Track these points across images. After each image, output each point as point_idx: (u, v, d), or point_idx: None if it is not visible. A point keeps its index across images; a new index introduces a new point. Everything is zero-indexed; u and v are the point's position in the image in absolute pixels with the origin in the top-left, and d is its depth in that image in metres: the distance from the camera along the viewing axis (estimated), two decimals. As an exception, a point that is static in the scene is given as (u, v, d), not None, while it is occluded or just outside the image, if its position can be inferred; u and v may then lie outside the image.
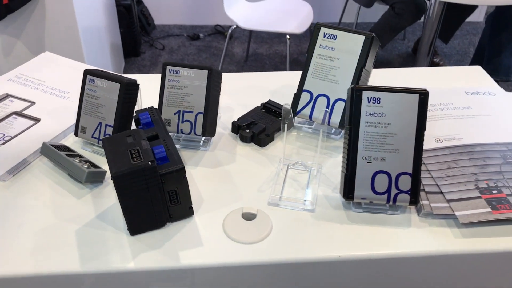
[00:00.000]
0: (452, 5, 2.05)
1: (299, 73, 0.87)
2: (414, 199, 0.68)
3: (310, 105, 0.85)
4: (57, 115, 0.89)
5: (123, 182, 0.61)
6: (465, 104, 0.91)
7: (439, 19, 2.19)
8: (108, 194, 0.74)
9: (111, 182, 0.67)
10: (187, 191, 0.67)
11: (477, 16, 3.55)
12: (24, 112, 0.90)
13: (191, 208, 0.69)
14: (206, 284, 0.65)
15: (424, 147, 0.71)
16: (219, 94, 0.85)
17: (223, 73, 0.94)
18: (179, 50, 3.10)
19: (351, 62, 0.82)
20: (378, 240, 0.66)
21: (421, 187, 0.72)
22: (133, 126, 0.82)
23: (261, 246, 0.65)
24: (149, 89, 0.96)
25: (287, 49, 2.50)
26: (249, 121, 0.87)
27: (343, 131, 0.86)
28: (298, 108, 0.86)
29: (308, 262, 0.64)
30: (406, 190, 0.68)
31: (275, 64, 2.97)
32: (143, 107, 0.80)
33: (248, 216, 0.70)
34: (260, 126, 0.86)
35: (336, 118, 0.83)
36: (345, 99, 0.82)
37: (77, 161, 0.75)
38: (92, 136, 0.80)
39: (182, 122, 0.81)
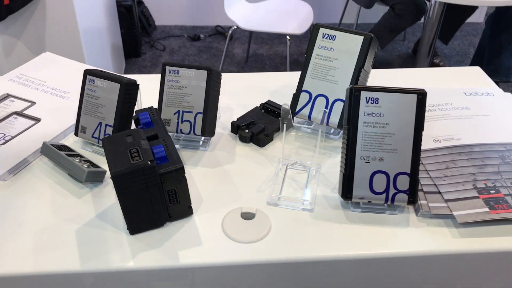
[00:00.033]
0: (452, 6, 2.05)
1: (298, 74, 0.88)
2: (412, 199, 0.69)
3: (309, 105, 0.85)
4: (57, 115, 0.90)
5: (122, 181, 0.61)
6: (463, 104, 0.91)
7: (439, 20, 2.19)
8: (108, 193, 0.74)
9: (111, 181, 0.68)
10: (186, 191, 0.67)
11: (477, 17, 3.55)
12: (25, 112, 0.90)
13: (190, 207, 0.69)
14: (205, 283, 0.65)
15: (423, 147, 0.72)
16: (219, 94, 0.85)
17: (222, 74, 0.94)
18: (180, 51, 3.11)
19: (349, 62, 0.82)
20: (376, 240, 0.67)
21: (419, 187, 0.72)
22: (133, 126, 0.82)
23: (260, 245, 0.65)
24: (149, 89, 0.96)
25: (287, 50, 2.50)
26: (249, 121, 0.87)
27: (342, 131, 0.86)
28: (297, 108, 0.86)
29: (307, 261, 0.64)
30: (404, 190, 0.68)
31: (276, 64, 2.98)
32: (143, 107, 0.80)
33: (247, 216, 0.70)
34: (259, 126, 0.86)
35: (335, 118, 0.83)
36: (344, 99, 0.82)
37: (77, 160, 0.75)
38: (92, 136, 0.81)
39: (182, 122, 0.81)
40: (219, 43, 3.21)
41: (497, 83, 1.06)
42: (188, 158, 0.82)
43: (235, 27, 2.43)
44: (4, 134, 0.84)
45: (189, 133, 0.81)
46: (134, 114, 0.77)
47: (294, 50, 3.14)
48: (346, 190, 0.69)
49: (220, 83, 0.84)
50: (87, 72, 0.80)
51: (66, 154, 0.76)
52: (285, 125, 0.79)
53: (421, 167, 0.75)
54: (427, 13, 2.25)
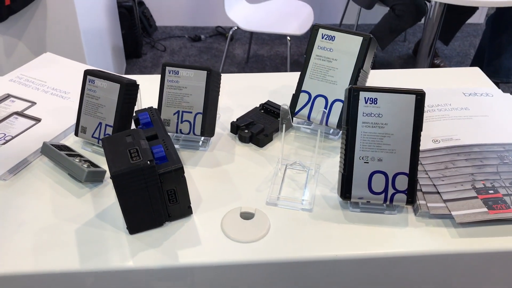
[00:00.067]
0: (452, 6, 2.05)
1: (298, 74, 0.88)
2: (411, 199, 0.69)
3: (309, 105, 0.85)
4: (58, 115, 0.90)
5: (122, 181, 0.61)
6: (462, 105, 0.92)
7: (439, 21, 2.19)
8: (107, 193, 0.74)
9: (111, 181, 0.68)
10: (186, 191, 0.67)
11: (478, 18, 3.56)
12: (25, 112, 0.91)
13: (190, 207, 0.69)
14: (204, 283, 0.66)
15: (422, 148, 0.72)
16: (218, 95, 0.85)
17: (223, 74, 0.94)
18: (181, 52, 3.11)
19: (349, 63, 0.83)
20: (375, 240, 0.67)
21: (418, 187, 0.72)
22: (133, 126, 0.83)
23: (259, 245, 0.66)
24: (149, 90, 0.96)
25: (288, 51, 2.51)
26: (248, 122, 0.87)
27: (341, 131, 0.86)
28: (297, 109, 0.86)
29: (306, 261, 0.65)
30: (403, 190, 0.69)
31: (276, 65, 2.98)
32: (143, 107, 0.81)
33: (246, 216, 0.70)
34: (259, 126, 0.86)
35: (334, 118, 0.83)
36: (343, 99, 0.82)
37: (77, 160, 0.75)
38: (92, 136, 0.81)
39: (181, 122, 0.81)
40: (220, 44, 3.21)
41: (497, 84, 1.07)
42: (188, 158, 0.82)
43: (236, 28, 2.43)
44: (5, 134, 0.84)
45: (188, 133, 0.81)
46: (134, 114, 0.78)
47: (295, 50, 3.14)
48: (345, 190, 0.69)
49: (220, 83, 0.85)
50: (87, 73, 0.80)
51: (66, 154, 0.76)
52: (284, 125, 0.79)
53: (420, 167, 0.75)
54: (427, 14, 2.25)
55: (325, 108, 0.84)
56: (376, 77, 1.06)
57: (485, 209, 0.68)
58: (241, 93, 1.01)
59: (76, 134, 0.83)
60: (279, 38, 3.28)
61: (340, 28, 0.85)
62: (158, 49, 3.12)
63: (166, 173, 0.64)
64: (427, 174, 0.75)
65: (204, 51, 3.12)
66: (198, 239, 0.66)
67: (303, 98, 0.86)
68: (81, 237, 0.66)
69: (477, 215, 0.68)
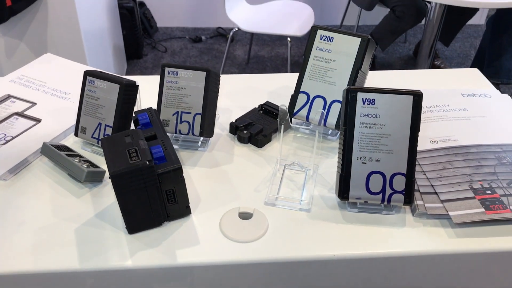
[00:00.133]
0: (453, 8, 2.06)
1: (297, 75, 0.88)
2: (409, 199, 0.69)
3: (307, 106, 0.86)
4: (58, 116, 0.91)
5: (121, 181, 0.62)
6: (461, 105, 0.92)
7: (440, 22, 2.19)
8: (107, 193, 0.75)
9: (110, 181, 0.68)
10: (184, 191, 0.68)
11: (478, 19, 3.56)
12: (25, 112, 0.91)
13: (188, 207, 0.70)
14: (202, 282, 0.66)
15: (419, 148, 0.72)
16: (217, 95, 0.86)
17: (223, 75, 0.95)
18: (181, 53, 3.12)
19: (347, 64, 0.83)
20: (373, 240, 0.67)
21: (416, 187, 0.73)
22: (132, 127, 0.83)
23: (257, 245, 0.66)
24: (149, 91, 0.97)
25: (288, 52, 2.51)
26: (247, 122, 0.88)
27: (339, 132, 0.87)
28: (295, 110, 0.87)
29: (304, 261, 0.65)
30: (400, 190, 0.69)
31: (277, 66, 2.99)
32: (143, 108, 0.81)
33: (245, 216, 0.71)
34: (258, 127, 0.87)
35: (332, 119, 0.84)
36: (341, 100, 0.83)
37: (77, 161, 0.76)
38: (92, 136, 0.81)
39: (181, 122, 0.82)
40: (221, 45, 3.22)
41: (498, 85, 1.07)
42: (187, 158, 0.83)
43: (236, 29, 2.44)
44: (5, 135, 0.85)
45: (187, 134, 0.82)
46: (133, 115, 0.78)
47: (295, 51, 3.15)
48: (343, 190, 0.70)
49: (219, 84, 0.85)
50: (87, 73, 0.81)
51: (66, 154, 0.76)
52: (283, 126, 0.79)
53: (417, 168, 0.76)
54: (427, 15, 2.26)
55: (324, 109, 0.84)
56: (376, 78, 1.06)
57: (482, 210, 0.69)
58: (240, 94, 1.02)
59: (76, 134, 0.83)
60: (280, 39, 3.28)
61: (339, 29, 0.86)
62: (159, 50, 3.13)
63: (164, 173, 0.64)
64: (424, 174, 0.75)
65: (205, 52, 3.12)
66: (197, 239, 0.67)
67: (301, 99, 0.86)
68: (81, 236, 0.67)
69: (474, 216, 0.68)
